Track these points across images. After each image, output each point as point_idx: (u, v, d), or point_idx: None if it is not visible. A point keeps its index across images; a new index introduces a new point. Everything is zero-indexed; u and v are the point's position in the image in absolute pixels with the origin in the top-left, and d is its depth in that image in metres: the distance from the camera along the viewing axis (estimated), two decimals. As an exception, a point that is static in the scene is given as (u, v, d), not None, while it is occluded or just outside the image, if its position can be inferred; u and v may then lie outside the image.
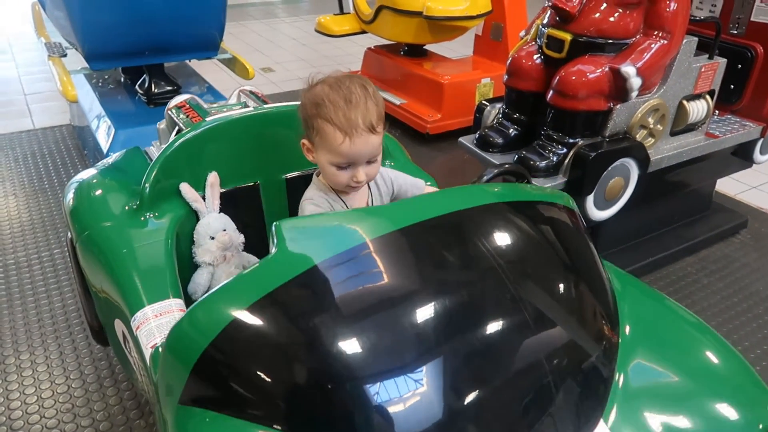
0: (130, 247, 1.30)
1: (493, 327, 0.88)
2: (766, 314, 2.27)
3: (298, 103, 1.56)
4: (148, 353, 1.08)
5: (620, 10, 1.91)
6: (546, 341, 0.91)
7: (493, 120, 2.28)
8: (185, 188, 1.43)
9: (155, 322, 1.13)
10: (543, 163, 2.01)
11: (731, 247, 2.68)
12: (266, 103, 1.78)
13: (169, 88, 2.95)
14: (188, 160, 1.44)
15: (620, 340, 1.03)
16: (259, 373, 0.81)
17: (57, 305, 2.17)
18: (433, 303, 0.86)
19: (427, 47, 3.90)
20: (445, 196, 1.03)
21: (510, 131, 2.20)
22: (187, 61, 3.36)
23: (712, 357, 1.06)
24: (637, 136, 2.07)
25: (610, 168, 2.01)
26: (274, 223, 0.93)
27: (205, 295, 0.90)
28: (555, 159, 2.02)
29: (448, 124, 3.52)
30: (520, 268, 0.96)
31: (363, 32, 3.92)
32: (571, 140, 2.01)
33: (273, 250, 0.90)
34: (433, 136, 3.51)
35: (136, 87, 3.00)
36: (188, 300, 1.38)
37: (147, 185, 1.38)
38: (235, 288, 0.88)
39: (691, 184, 2.56)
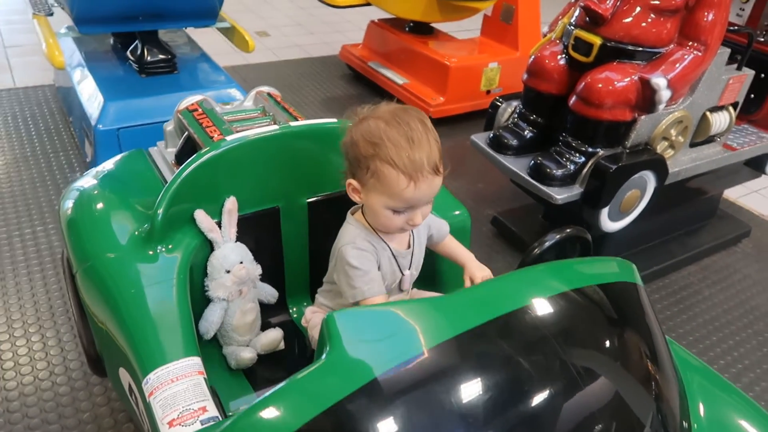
0: (139, 288, 1.15)
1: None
2: (766, 330, 2.25)
3: (328, 121, 1.41)
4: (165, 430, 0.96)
5: (654, 17, 1.80)
6: None
7: (508, 119, 2.18)
8: (200, 216, 1.28)
9: (171, 390, 0.99)
10: (560, 172, 1.93)
11: (733, 257, 2.64)
12: (286, 109, 1.61)
13: (162, 56, 2.76)
14: (205, 183, 1.28)
15: None
16: None
17: (40, 291, 2.06)
18: (504, 418, 0.80)
19: (434, 25, 3.74)
20: (510, 286, 0.94)
21: (525, 133, 2.10)
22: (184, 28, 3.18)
23: None
24: (658, 147, 1.99)
25: (628, 181, 1.94)
26: (328, 313, 0.84)
27: (254, 403, 0.80)
28: (572, 168, 1.94)
29: (452, 108, 3.40)
30: (590, 366, 0.88)
31: (367, 4, 3.74)
32: (590, 149, 1.93)
33: (326, 347, 0.80)
34: (435, 120, 3.38)
35: (128, 53, 2.81)
36: (199, 339, 1.24)
37: (159, 212, 1.23)
38: (290, 398, 0.79)
39: (701, 193, 2.50)
